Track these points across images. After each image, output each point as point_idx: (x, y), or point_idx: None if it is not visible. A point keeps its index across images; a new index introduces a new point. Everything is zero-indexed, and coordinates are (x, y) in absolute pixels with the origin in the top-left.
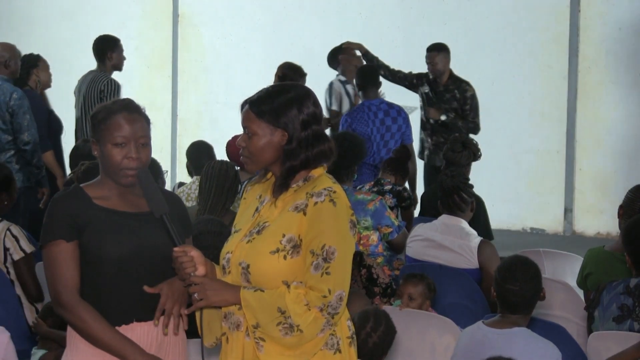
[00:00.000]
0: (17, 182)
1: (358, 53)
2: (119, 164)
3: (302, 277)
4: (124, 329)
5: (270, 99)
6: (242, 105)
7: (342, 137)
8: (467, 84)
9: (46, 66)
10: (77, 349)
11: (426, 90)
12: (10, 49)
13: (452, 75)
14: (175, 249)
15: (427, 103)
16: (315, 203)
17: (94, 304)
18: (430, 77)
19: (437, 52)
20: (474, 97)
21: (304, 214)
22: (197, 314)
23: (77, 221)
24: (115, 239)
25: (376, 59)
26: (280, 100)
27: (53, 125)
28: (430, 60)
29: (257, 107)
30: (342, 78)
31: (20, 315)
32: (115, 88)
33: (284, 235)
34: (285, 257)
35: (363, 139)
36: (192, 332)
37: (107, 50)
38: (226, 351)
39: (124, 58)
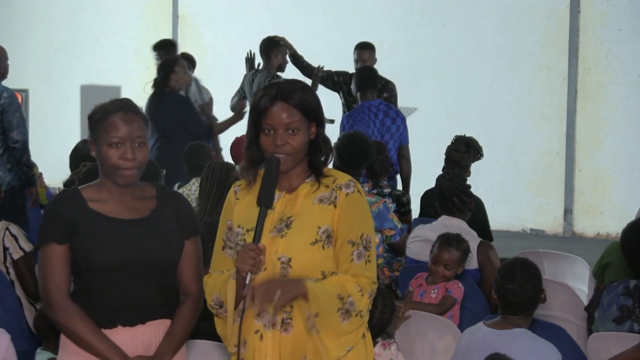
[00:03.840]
0: (10, 180)
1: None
2: (115, 164)
3: (333, 267)
4: (107, 333)
5: (301, 93)
6: (271, 101)
7: (354, 137)
8: (392, 82)
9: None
10: (69, 351)
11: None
12: (1, 50)
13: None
14: (253, 244)
15: (351, 101)
16: (347, 194)
17: (81, 306)
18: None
19: (368, 49)
20: (396, 95)
21: (335, 206)
22: (217, 320)
23: (69, 224)
24: (102, 246)
25: (301, 58)
26: (309, 93)
27: None
28: (359, 57)
29: (296, 100)
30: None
31: (20, 316)
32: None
33: (319, 227)
34: (323, 247)
35: (371, 140)
36: (215, 335)
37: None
38: (260, 349)
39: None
